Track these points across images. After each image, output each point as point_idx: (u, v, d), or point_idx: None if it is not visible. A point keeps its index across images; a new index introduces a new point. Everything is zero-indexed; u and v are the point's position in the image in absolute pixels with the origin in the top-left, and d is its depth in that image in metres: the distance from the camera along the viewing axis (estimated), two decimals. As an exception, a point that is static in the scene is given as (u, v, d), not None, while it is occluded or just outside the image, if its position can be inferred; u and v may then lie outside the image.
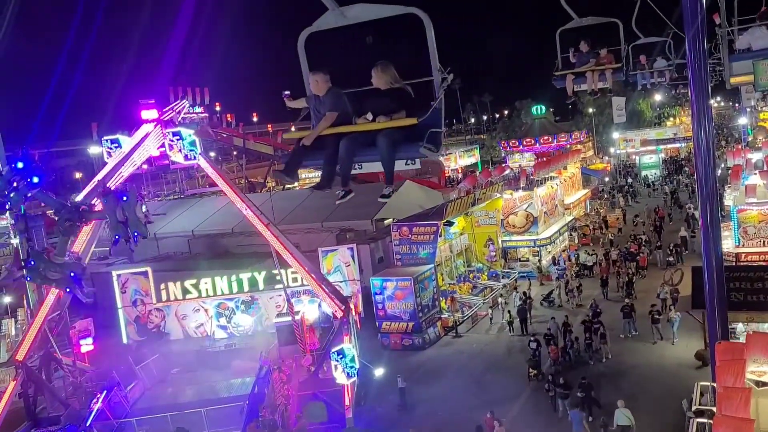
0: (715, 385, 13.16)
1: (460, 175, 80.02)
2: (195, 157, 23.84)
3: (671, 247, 38.28)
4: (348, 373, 22.02)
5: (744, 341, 23.19)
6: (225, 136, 74.22)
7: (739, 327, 24.90)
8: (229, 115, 77.64)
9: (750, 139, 63.18)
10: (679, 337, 27.25)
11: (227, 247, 44.86)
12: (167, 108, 25.15)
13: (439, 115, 7.55)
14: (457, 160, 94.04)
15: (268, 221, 25.27)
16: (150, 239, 51.84)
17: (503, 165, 62.22)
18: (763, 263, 28.91)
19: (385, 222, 43.21)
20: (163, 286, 33.10)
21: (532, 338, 26.76)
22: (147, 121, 24.01)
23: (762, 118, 65.46)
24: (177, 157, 23.94)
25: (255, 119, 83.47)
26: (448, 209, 33.29)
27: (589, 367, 25.79)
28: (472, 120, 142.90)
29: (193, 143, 23.82)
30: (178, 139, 23.60)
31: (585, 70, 17.65)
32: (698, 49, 16.84)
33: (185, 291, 32.97)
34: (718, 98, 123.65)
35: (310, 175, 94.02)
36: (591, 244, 45.99)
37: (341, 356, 21.78)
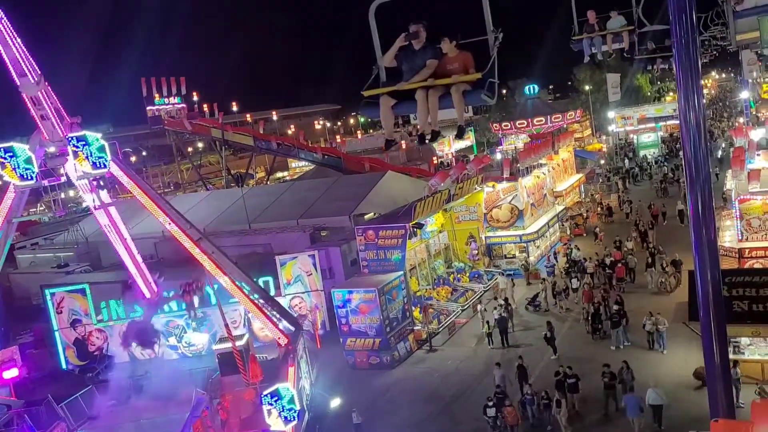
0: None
1: (452, 160, 76.69)
2: (105, 165, 20.48)
3: (664, 266, 31.20)
4: (286, 418, 18.74)
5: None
6: (203, 126, 70.99)
7: (743, 341, 21.74)
8: (206, 105, 74.33)
9: (752, 113, 59.65)
10: (676, 350, 23.94)
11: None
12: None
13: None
14: (451, 143, 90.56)
15: (199, 236, 22.06)
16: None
17: (485, 155, 58.73)
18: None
19: (365, 217, 40.11)
20: (103, 304, 29.81)
21: (489, 403, 20.85)
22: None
23: (766, 89, 61.93)
24: (84, 166, 20.56)
25: (235, 108, 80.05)
26: (417, 209, 29.82)
27: None
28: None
29: (101, 149, 20.45)
30: (83, 145, 20.23)
31: (415, 87, 8.56)
32: (686, 12, 13.08)
33: (129, 309, 29.64)
34: (715, 69, 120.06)
35: (300, 164, 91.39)
36: (585, 235, 42.72)
37: (276, 399, 18.49)
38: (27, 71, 19.86)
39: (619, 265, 32.21)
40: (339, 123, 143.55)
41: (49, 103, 21.00)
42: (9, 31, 19.64)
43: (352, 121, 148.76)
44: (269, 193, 52.89)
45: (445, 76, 8.44)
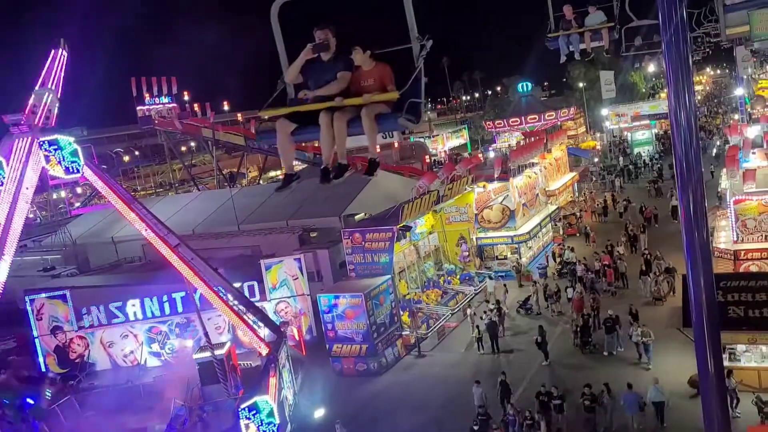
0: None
1: (446, 158, 75.92)
2: (78, 170, 19.78)
3: (658, 274, 29.90)
4: None
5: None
6: (194, 126, 70.16)
7: (739, 348, 21.12)
8: (197, 105, 73.48)
9: (747, 110, 59.01)
10: (671, 357, 23.27)
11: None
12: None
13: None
14: (445, 141, 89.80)
15: (177, 242, 21.33)
16: (108, 243, 48.44)
17: (475, 155, 57.99)
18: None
19: (356, 218, 39.42)
20: (85, 310, 29.08)
21: (475, 426, 19.67)
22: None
23: (761, 86, 61.29)
24: (56, 171, 19.85)
25: (226, 108, 79.06)
26: (405, 211, 29.15)
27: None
28: (465, 98, 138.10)
29: (74, 153, 19.76)
30: (55, 150, 19.52)
31: (319, 108, 7.01)
32: (675, 7, 12.43)
33: (110, 315, 29.01)
34: (709, 65, 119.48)
35: (295, 162, 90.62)
36: (578, 234, 42.08)
37: (254, 413, 17.82)
38: (52, 83, 20.09)
39: (608, 269, 31.46)
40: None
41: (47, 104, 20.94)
42: (59, 66, 20.74)
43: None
44: (259, 193, 52.11)
45: (357, 95, 6.60)
